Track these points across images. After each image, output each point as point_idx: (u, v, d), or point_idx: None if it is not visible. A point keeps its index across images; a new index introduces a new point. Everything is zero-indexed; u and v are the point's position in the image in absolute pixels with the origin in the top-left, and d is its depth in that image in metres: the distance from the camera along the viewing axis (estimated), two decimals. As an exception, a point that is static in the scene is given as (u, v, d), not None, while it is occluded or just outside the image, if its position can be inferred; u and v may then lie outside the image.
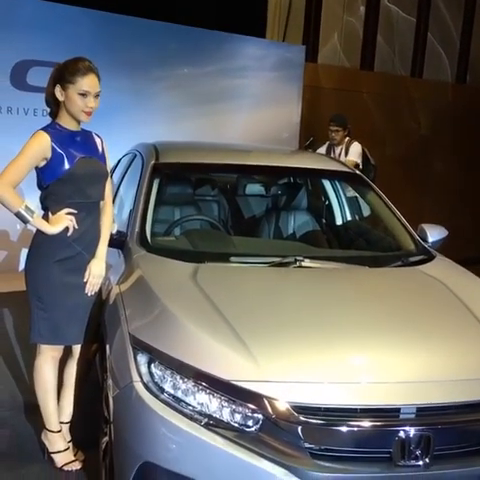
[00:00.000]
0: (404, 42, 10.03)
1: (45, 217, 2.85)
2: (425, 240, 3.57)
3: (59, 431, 3.03)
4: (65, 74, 2.76)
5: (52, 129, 2.81)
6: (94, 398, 3.02)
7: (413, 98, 9.67)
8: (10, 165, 2.74)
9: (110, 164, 3.12)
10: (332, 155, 6.26)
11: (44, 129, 2.81)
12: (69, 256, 2.86)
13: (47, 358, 2.96)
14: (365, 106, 9.24)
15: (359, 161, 6.07)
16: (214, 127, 7.09)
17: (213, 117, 7.19)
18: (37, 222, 2.79)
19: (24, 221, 2.77)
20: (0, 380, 3.97)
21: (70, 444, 3.07)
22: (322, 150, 6.32)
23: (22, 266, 6.12)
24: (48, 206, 2.86)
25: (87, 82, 2.73)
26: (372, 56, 9.75)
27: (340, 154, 6.18)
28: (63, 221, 2.80)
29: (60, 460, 3.00)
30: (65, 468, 2.99)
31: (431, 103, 9.68)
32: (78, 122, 2.85)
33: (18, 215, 2.74)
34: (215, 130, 7.06)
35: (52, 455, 3.02)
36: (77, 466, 3.01)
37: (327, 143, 6.37)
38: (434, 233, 3.61)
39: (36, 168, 2.82)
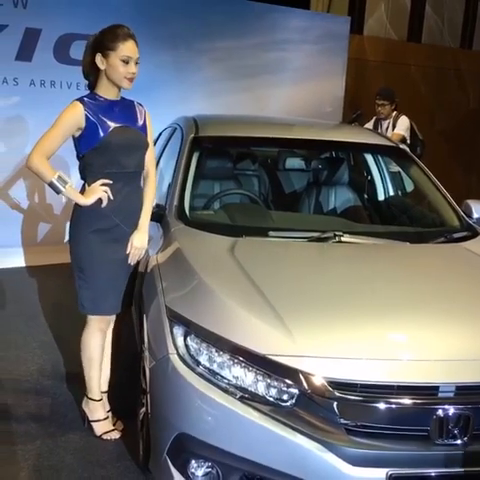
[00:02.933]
0: (453, 12, 9.69)
1: (83, 188, 2.88)
2: (470, 216, 3.47)
3: (100, 400, 3.08)
4: (105, 41, 2.75)
5: (88, 99, 2.82)
6: (133, 369, 3.06)
7: (462, 70, 9.38)
8: (44, 136, 2.77)
9: (153, 135, 3.10)
10: (379, 130, 6.15)
11: (79, 99, 2.82)
12: (106, 228, 2.87)
13: (94, 329, 3.01)
14: (412, 79, 9.01)
15: (406, 135, 5.94)
16: (257, 101, 7.01)
17: (256, 91, 7.10)
18: (70, 192, 2.81)
19: (57, 191, 2.79)
20: (43, 350, 4.05)
21: (109, 413, 3.12)
22: (369, 125, 6.21)
23: (66, 238, 6.25)
24: (86, 176, 2.88)
25: (128, 48, 2.72)
26: (420, 27, 9.47)
27: (387, 128, 6.06)
28: (96, 192, 2.81)
29: (99, 429, 3.05)
30: (104, 437, 3.04)
31: (481, 75, 9.38)
32: (118, 90, 2.84)
33: (51, 185, 2.77)
34: (257, 104, 6.98)
35: (92, 424, 3.07)
36: (116, 435, 3.05)
37: (374, 118, 6.27)
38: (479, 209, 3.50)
39: (73, 138, 2.84)
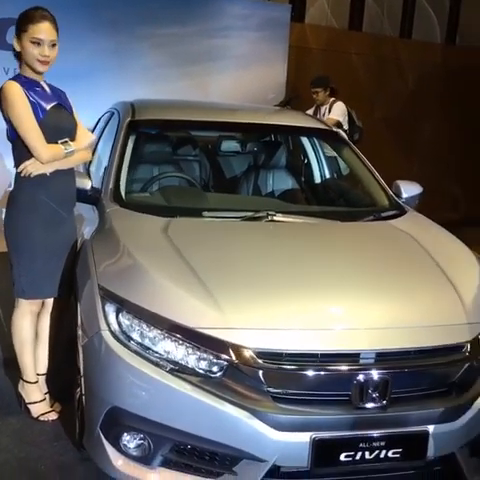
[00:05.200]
0: (393, 2, 9.88)
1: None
2: (399, 196, 3.60)
3: (36, 382, 3.08)
4: (19, 23, 2.76)
5: (19, 79, 2.80)
6: (71, 351, 3.08)
7: (402, 59, 9.58)
8: (25, 130, 2.74)
9: (77, 113, 3.08)
10: (318, 116, 6.29)
11: (13, 79, 2.80)
12: (45, 213, 2.89)
13: (25, 312, 3.01)
14: (353, 67, 9.15)
15: (341, 119, 6.08)
16: (198, 88, 7.02)
17: (197, 78, 7.11)
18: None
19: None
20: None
21: (47, 395, 3.13)
22: (310, 112, 6.33)
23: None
24: (21, 160, 2.84)
25: (40, 29, 2.71)
26: (360, 16, 9.62)
27: (324, 114, 6.19)
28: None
29: (36, 410, 3.06)
30: (41, 418, 3.05)
31: (420, 64, 9.59)
32: (40, 73, 2.84)
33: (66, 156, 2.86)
34: (199, 91, 6.99)
35: (29, 406, 3.07)
36: (53, 416, 3.07)
37: (315, 105, 6.42)
38: (408, 189, 3.63)
39: (8, 121, 2.80)
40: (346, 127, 6.17)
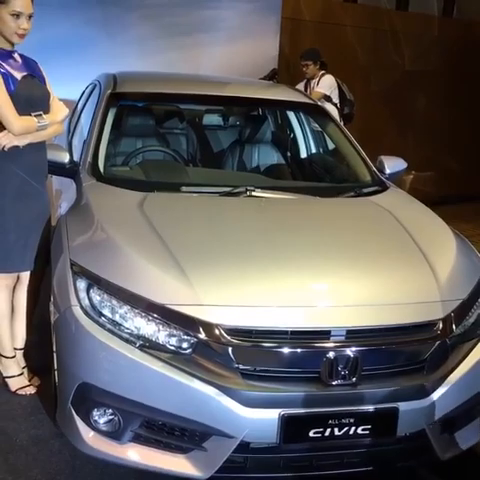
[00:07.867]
0: (390, -27, 9.73)
1: None
2: (383, 172, 3.56)
3: (13, 357, 3.08)
4: None
5: None
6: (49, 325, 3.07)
7: (398, 32, 9.44)
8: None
9: (50, 84, 3.04)
10: (308, 89, 6.22)
11: None
12: (17, 184, 2.85)
13: (1, 286, 2.99)
14: (348, 40, 9.02)
15: (328, 93, 6.00)
16: (188, 61, 6.89)
17: (187, 50, 6.97)
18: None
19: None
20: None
21: (25, 370, 3.14)
22: (300, 86, 6.25)
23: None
24: None
25: (19, 2, 2.70)
26: (356, -12, 9.47)
27: (313, 88, 6.11)
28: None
29: (14, 384, 3.07)
30: (19, 392, 3.06)
31: (417, 37, 9.46)
32: (12, 45, 2.81)
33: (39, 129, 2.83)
34: (189, 64, 6.86)
35: (6, 380, 3.08)
36: (31, 391, 3.08)
37: (306, 79, 6.34)
38: (392, 165, 3.59)
39: None
40: (336, 100, 6.09)
